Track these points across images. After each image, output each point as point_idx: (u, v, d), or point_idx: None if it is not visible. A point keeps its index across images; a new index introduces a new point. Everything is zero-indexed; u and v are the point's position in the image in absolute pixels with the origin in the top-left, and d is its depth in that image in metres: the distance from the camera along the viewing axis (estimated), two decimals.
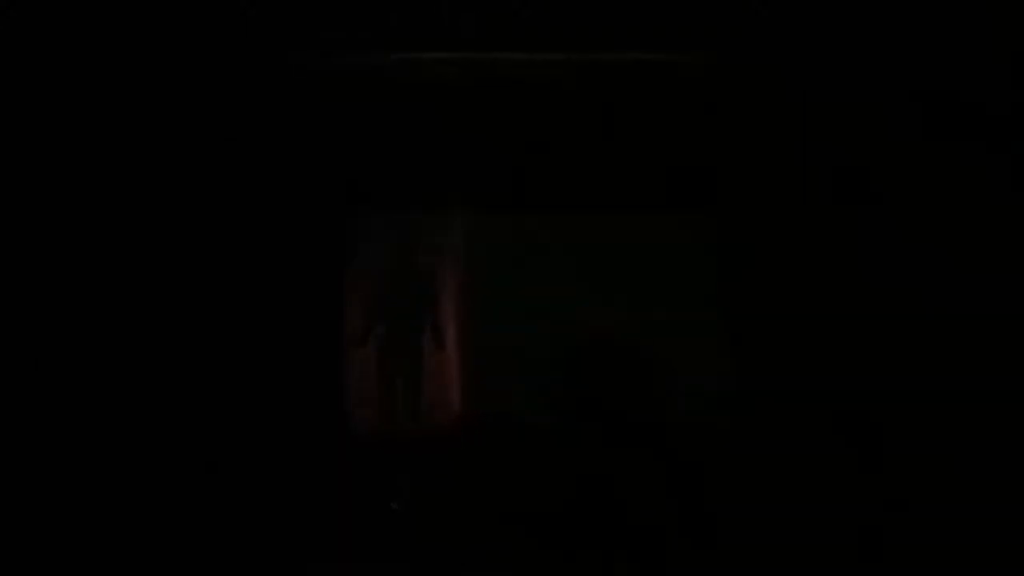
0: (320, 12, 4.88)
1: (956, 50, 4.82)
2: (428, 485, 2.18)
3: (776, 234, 5.64)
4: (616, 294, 5.91)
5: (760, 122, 5.55)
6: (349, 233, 5.99)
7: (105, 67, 5.08)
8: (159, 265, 5.43)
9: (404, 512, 2.99)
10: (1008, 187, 4.78)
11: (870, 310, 5.35)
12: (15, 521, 4.08)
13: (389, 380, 6.04)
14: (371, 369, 5.96)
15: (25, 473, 4.47)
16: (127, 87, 5.22)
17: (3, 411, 4.74)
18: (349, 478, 3.84)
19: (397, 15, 4.88)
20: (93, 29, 4.82)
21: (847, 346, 5.35)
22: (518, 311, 6.04)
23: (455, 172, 5.87)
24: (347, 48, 5.34)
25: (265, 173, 5.67)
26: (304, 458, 4.26)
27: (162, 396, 5.23)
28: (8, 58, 4.90)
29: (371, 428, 5.66)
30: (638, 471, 1.76)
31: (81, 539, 3.85)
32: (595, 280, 5.98)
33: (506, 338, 6.04)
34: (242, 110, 5.54)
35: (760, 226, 5.70)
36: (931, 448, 4.61)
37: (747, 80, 5.45)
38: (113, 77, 5.15)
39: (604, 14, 4.85)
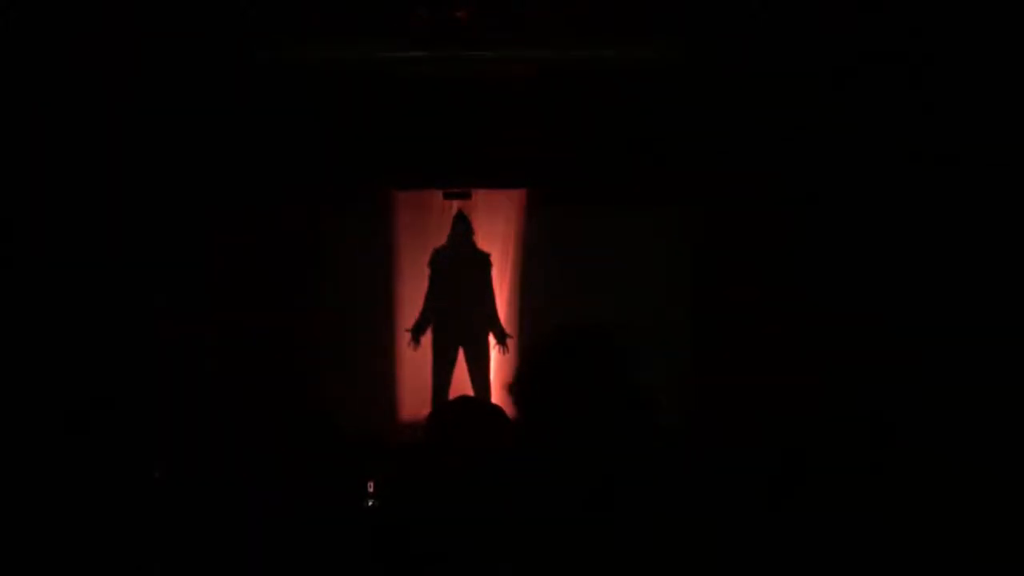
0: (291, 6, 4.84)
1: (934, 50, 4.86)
2: (404, 480, 2.16)
3: (749, 228, 5.69)
4: (589, 286, 5.96)
5: (730, 116, 5.60)
6: (326, 223, 6.07)
7: (70, 64, 5.02)
8: (132, 262, 5.41)
9: (381, 509, 2.97)
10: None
11: (843, 304, 5.40)
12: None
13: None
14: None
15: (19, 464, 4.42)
16: (96, 84, 5.17)
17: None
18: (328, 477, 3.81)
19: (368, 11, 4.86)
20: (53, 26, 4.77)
21: (820, 342, 5.40)
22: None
23: (424, 167, 5.90)
24: (318, 43, 5.34)
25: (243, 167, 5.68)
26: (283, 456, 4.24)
27: (144, 396, 5.21)
28: None
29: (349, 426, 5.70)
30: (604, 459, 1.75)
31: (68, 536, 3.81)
32: (569, 271, 6.05)
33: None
34: (223, 105, 5.54)
35: (733, 220, 5.76)
36: (910, 447, 4.63)
37: (717, 74, 5.49)
38: (80, 73, 5.10)
39: (573, 10, 4.86)
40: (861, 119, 5.25)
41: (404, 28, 5.06)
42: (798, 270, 5.53)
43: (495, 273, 6.21)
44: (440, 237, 6.21)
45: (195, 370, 5.45)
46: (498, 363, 6.21)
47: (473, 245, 6.20)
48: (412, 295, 6.16)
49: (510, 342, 6.15)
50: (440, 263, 6.16)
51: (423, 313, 6.13)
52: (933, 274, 4.98)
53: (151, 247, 5.48)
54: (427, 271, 6.16)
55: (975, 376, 4.71)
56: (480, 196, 6.22)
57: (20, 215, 4.98)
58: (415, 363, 6.17)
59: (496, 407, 2.20)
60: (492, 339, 6.15)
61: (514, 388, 1.80)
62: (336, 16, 4.93)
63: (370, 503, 3.17)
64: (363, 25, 5.08)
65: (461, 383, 6.16)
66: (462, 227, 6.18)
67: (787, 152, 5.49)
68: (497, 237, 6.26)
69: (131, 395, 5.20)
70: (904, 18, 4.72)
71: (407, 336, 6.14)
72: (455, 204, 6.21)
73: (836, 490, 3.79)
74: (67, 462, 4.50)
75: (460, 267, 6.17)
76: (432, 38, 5.14)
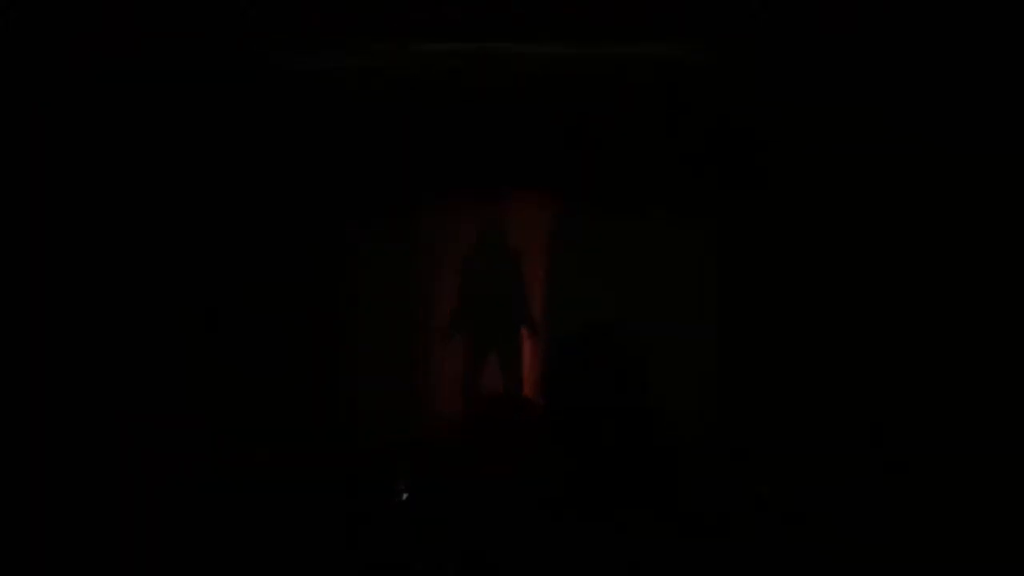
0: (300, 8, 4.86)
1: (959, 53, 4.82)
2: (432, 475, 2.19)
3: (775, 234, 5.66)
4: (613, 290, 5.97)
5: (758, 120, 5.59)
6: (349, 233, 6.11)
7: (86, 69, 5.06)
8: (154, 268, 5.45)
9: (412, 503, 3.00)
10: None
11: (864, 311, 5.36)
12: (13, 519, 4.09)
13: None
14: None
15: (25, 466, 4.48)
16: (112, 91, 5.20)
17: (5, 410, 4.74)
18: (355, 472, 3.85)
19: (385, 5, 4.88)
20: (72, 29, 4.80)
21: (841, 348, 5.37)
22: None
23: (450, 169, 5.93)
24: (329, 44, 5.37)
25: (260, 176, 5.72)
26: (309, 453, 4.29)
27: (164, 397, 5.27)
28: None
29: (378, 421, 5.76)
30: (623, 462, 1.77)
31: (79, 536, 3.86)
32: (591, 276, 6.07)
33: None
34: (233, 113, 5.57)
35: (760, 226, 5.74)
36: (923, 450, 4.61)
37: (747, 78, 5.48)
38: (95, 79, 5.13)
39: (602, 6, 4.86)
40: (898, 126, 5.20)
41: (430, 31, 5.08)
42: (827, 276, 5.50)
43: (526, 273, 6.25)
44: (471, 238, 6.25)
45: (228, 375, 5.51)
46: (530, 362, 6.25)
47: (504, 246, 6.23)
48: (444, 296, 6.21)
49: (541, 341, 6.18)
50: (471, 264, 6.21)
51: (455, 313, 6.17)
52: (969, 286, 4.93)
53: (178, 255, 5.53)
54: (459, 272, 6.20)
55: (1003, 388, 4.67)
56: (511, 197, 6.26)
57: (24, 217, 5.00)
58: (449, 363, 6.22)
59: (529, 404, 2.23)
60: (525, 337, 6.19)
61: (542, 386, 1.83)
62: (352, 21, 4.95)
63: (403, 499, 3.21)
64: (383, 29, 5.10)
65: (494, 382, 6.20)
66: (493, 228, 6.22)
67: (816, 157, 5.47)
68: (528, 238, 6.30)
69: (158, 399, 5.26)
70: (933, 19, 4.69)
71: (440, 336, 6.19)
72: (486, 205, 6.25)
73: (853, 497, 3.79)
74: (84, 466, 4.58)
75: (491, 268, 6.22)
76: (458, 36, 5.16)
